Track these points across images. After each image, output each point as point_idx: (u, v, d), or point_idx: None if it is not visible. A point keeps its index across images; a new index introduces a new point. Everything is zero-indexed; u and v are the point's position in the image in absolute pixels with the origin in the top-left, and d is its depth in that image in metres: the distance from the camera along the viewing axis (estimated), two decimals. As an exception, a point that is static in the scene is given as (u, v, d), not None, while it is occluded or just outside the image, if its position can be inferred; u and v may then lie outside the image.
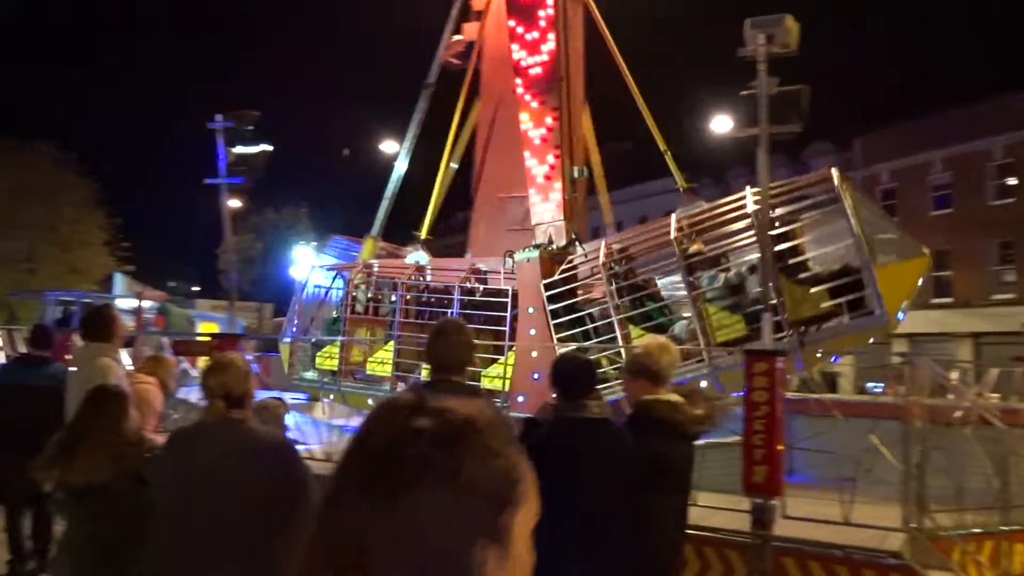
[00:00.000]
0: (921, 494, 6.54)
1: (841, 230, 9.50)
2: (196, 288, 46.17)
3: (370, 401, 11.62)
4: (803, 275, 9.79)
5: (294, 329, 13.28)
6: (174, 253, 48.99)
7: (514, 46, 13.24)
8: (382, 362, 11.88)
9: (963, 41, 44.35)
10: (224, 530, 3.38)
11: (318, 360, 12.59)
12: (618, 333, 10.26)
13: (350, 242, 14.86)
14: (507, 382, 10.96)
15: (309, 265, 14.57)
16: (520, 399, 10.66)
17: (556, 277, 11.10)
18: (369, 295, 13.25)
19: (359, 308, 13.08)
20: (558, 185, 12.41)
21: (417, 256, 13.28)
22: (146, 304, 17.55)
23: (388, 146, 18.45)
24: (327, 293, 13.57)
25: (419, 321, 11.79)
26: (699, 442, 4.30)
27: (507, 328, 11.20)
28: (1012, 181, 29.75)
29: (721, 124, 16.72)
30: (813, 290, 9.47)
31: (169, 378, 5.61)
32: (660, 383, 4.09)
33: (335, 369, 12.24)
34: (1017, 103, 28.55)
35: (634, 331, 10.33)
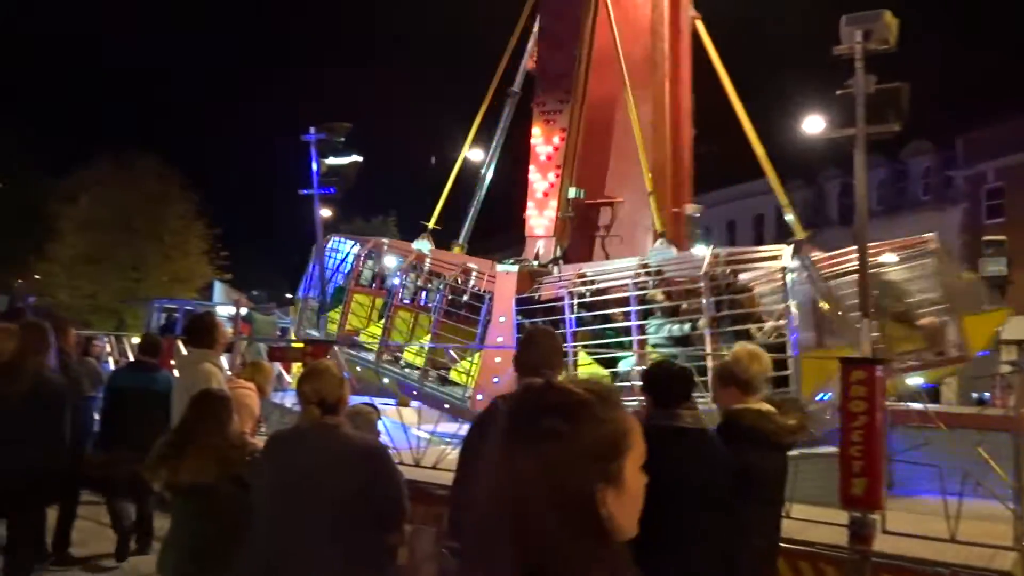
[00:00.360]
0: (1034, 510, 6.19)
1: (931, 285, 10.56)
2: (289, 296, 47.61)
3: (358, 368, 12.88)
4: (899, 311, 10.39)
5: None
6: (269, 262, 50.67)
7: (537, 50, 14.12)
8: (463, 371, 12.08)
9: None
10: (319, 532, 3.48)
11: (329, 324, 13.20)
12: (570, 359, 10.37)
13: (344, 239, 15.73)
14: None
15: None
16: (479, 397, 11.01)
17: (528, 294, 11.61)
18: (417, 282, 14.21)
19: (404, 296, 14.16)
20: (554, 203, 12.88)
21: (420, 244, 14.17)
22: (243, 311, 18.21)
23: (474, 154, 18.62)
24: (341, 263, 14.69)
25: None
26: (793, 452, 4.19)
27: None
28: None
29: (813, 124, 16.22)
30: (909, 329, 10.16)
31: (266, 383, 5.81)
32: (750, 392, 4.00)
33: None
34: None
35: (582, 357, 10.73)
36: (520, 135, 15.37)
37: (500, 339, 11.58)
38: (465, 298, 13.30)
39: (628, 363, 10.64)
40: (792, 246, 10.54)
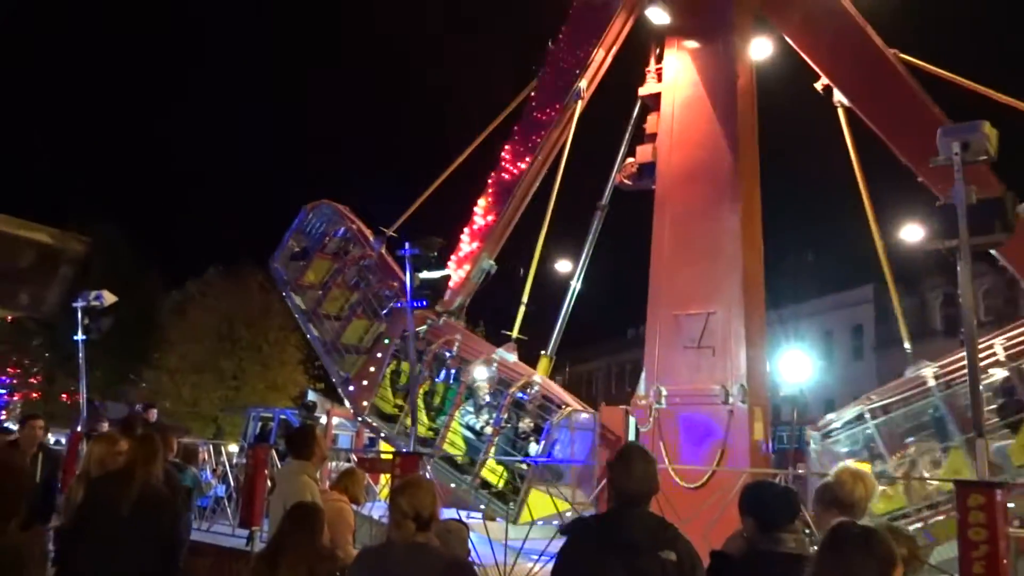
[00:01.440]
0: None
1: None
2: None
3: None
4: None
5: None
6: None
7: (506, 145, 15.91)
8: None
9: None
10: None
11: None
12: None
13: (334, 210, 17.10)
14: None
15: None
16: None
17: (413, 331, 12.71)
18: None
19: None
20: (467, 267, 15.39)
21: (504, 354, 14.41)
22: (334, 421, 18.54)
23: (562, 265, 18.88)
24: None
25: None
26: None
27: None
28: None
29: (912, 233, 15.85)
30: None
31: (359, 491, 5.85)
32: (856, 516, 3.79)
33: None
34: None
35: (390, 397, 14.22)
36: (608, 245, 15.58)
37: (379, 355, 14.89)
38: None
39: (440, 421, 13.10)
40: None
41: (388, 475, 10.84)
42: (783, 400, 23.17)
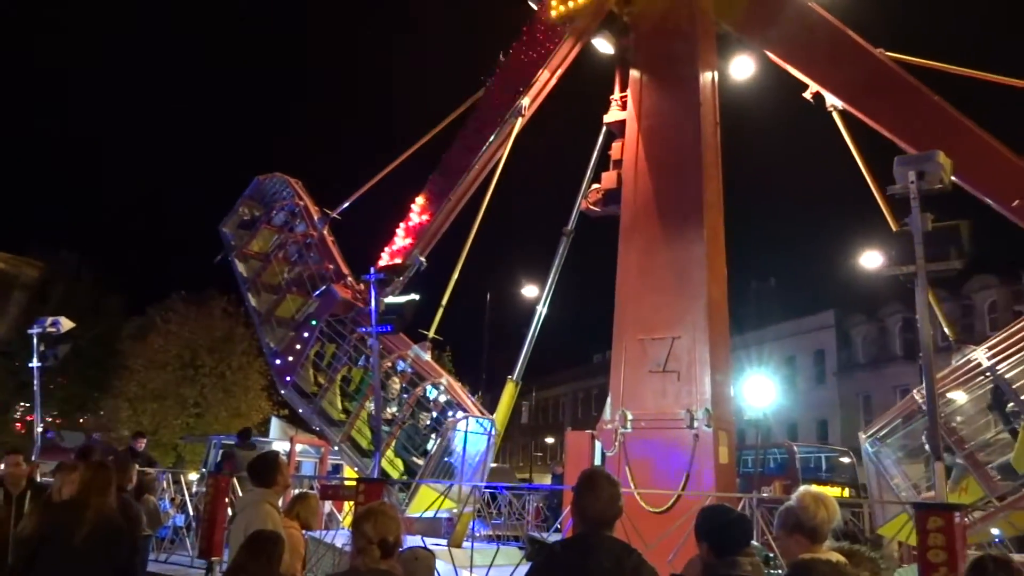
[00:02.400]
0: None
1: None
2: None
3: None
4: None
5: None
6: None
7: (449, 151, 16.48)
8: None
9: None
10: None
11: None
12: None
13: (285, 183, 17.77)
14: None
15: None
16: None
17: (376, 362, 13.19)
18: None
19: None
20: (398, 261, 15.74)
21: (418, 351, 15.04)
22: (298, 448, 18.27)
23: (528, 290, 18.96)
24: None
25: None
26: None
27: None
28: None
29: (871, 259, 16.12)
30: None
31: (312, 517, 5.75)
32: (818, 540, 3.80)
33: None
34: None
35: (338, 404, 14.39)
36: (575, 271, 15.68)
37: None
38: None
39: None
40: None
41: (352, 503, 10.71)
42: (747, 424, 23.33)
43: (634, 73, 15.10)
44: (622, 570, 3.23)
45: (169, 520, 12.32)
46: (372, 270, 12.21)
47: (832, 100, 14.85)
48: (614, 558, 3.29)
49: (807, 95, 15.10)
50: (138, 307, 39.23)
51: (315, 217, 17.29)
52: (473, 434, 13.62)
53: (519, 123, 15.77)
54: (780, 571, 8.60)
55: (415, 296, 12.12)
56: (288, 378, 15.76)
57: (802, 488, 4.06)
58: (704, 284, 13.14)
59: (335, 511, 14.25)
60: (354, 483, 11.19)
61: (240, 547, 4.26)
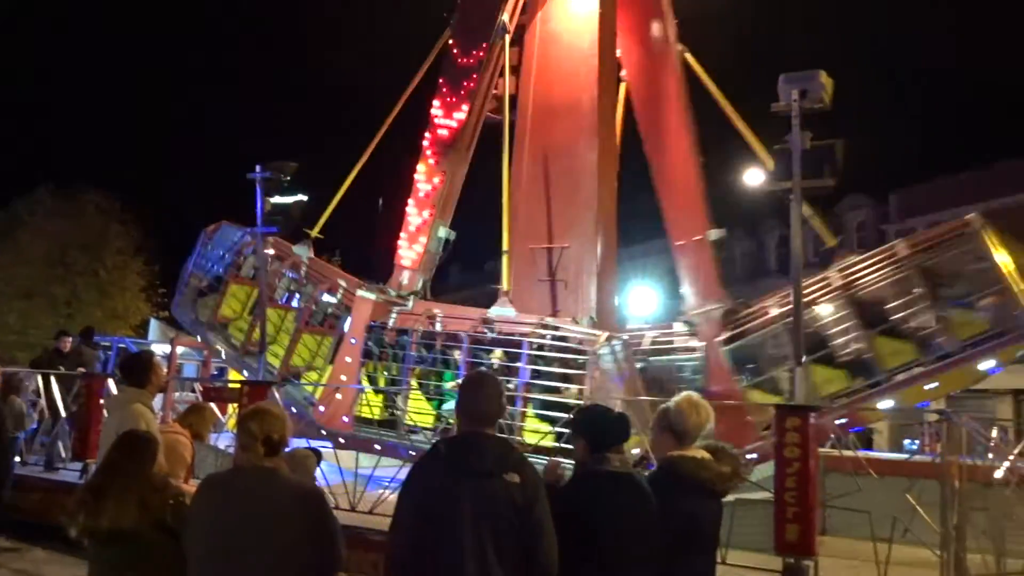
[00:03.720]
0: (960, 556, 6.33)
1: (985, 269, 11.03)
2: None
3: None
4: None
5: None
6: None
7: (435, 102, 14.75)
8: (420, 412, 12.21)
9: (1013, 93, 44.05)
10: (252, 578, 3.39)
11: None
12: (406, 382, 12.10)
13: (236, 228, 15.27)
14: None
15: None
16: (321, 409, 12.60)
17: (380, 322, 12.73)
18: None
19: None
20: (423, 239, 14.10)
21: (300, 250, 14.43)
22: (179, 350, 17.74)
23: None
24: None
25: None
26: (728, 499, 4.22)
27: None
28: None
29: (754, 177, 16.68)
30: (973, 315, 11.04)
31: (204, 429, 5.66)
32: (686, 440, 4.02)
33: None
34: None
35: (413, 382, 12.27)
36: (469, 178, 15.52)
37: (348, 360, 12.71)
38: (329, 311, 14.32)
39: (450, 405, 11.50)
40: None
41: (236, 405, 10.57)
42: (630, 333, 24.15)
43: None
44: (502, 465, 3.33)
45: (32, 423, 11.80)
46: (258, 168, 11.72)
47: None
48: (495, 455, 3.37)
49: None
50: (2, 200, 36.47)
51: (290, 247, 14.72)
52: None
53: (507, 41, 14.35)
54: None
55: (302, 196, 11.75)
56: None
57: (684, 392, 4.25)
58: (595, 195, 13.33)
59: (219, 413, 14.05)
60: (238, 385, 11.04)
61: (111, 447, 4.14)
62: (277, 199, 11.80)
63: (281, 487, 3.60)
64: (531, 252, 13.61)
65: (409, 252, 14.18)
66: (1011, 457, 7.82)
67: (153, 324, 25.45)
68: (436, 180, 14.22)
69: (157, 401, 7.54)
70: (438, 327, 12.64)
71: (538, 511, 3.29)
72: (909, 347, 11.14)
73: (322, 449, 5.44)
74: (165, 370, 8.47)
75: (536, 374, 11.41)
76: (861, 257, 12.22)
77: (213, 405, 11.31)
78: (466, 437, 3.50)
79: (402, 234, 14.30)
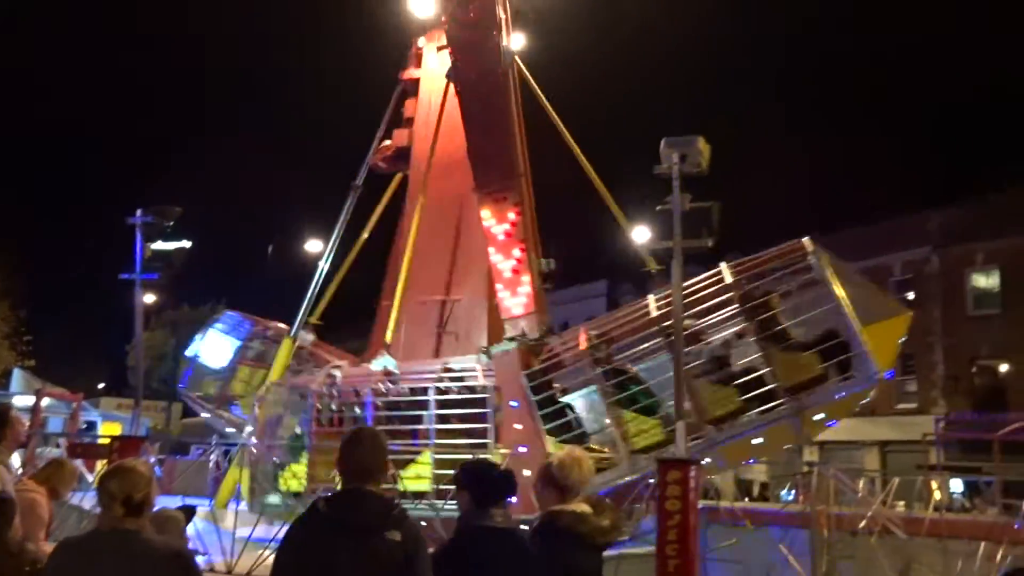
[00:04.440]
0: (830, 604, 6.59)
1: (819, 297, 9.92)
2: (101, 385, 44.23)
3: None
4: (788, 343, 10.03)
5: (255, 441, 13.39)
6: (82, 349, 46.98)
7: (473, 148, 13.25)
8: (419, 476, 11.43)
9: (878, 160, 47.71)
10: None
11: (282, 481, 12.51)
12: (607, 418, 10.46)
13: (242, 317, 16.07)
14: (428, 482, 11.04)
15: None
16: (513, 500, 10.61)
17: (536, 368, 11.20)
18: (332, 406, 13.32)
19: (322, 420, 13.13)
20: (526, 278, 12.48)
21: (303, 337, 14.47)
22: (45, 402, 16.65)
23: (313, 245, 18.43)
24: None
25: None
26: (612, 552, 4.28)
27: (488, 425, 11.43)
28: (911, 296, 31.48)
29: (641, 234, 17.29)
30: (803, 355, 9.79)
31: (62, 485, 5.32)
32: (569, 495, 4.07)
33: (300, 490, 12.04)
34: (914, 223, 30.56)
35: (626, 414, 10.51)
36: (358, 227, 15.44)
37: (519, 426, 11.11)
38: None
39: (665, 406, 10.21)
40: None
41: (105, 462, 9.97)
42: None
43: (436, 33, 14.97)
44: (383, 522, 3.28)
45: None
46: (139, 212, 11.29)
47: None
48: (376, 512, 3.32)
49: None
50: None
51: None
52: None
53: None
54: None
55: (186, 243, 11.34)
56: None
57: (566, 448, 4.31)
58: (487, 247, 13.44)
59: (85, 471, 13.21)
60: (107, 441, 10.43)
61: (-38, 511, 3.83)
62: (159, 245, 11.37)
63: (143, 550, 3.42)
64: (422, 304, 13.58)
65: (516, 299, 12.55)
66: (875, 506, 8.26)
67: (16, 374, 23.78)
68: (511, 216, 12.73)
69: (16, 457, 7.04)
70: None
71: (419, 568, 3.25)
72: (733, 394, 9.99)
73: (200, 507, 5.21)
74: (26, 424, 7.93)
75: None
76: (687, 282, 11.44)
77: (79, 461, 10.67)
78: (346, 493, 3.44)
79: (498, 286, 12.78)
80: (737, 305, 10.15)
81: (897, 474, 12.21)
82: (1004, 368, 30.97)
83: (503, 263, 12.57)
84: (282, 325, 15.87)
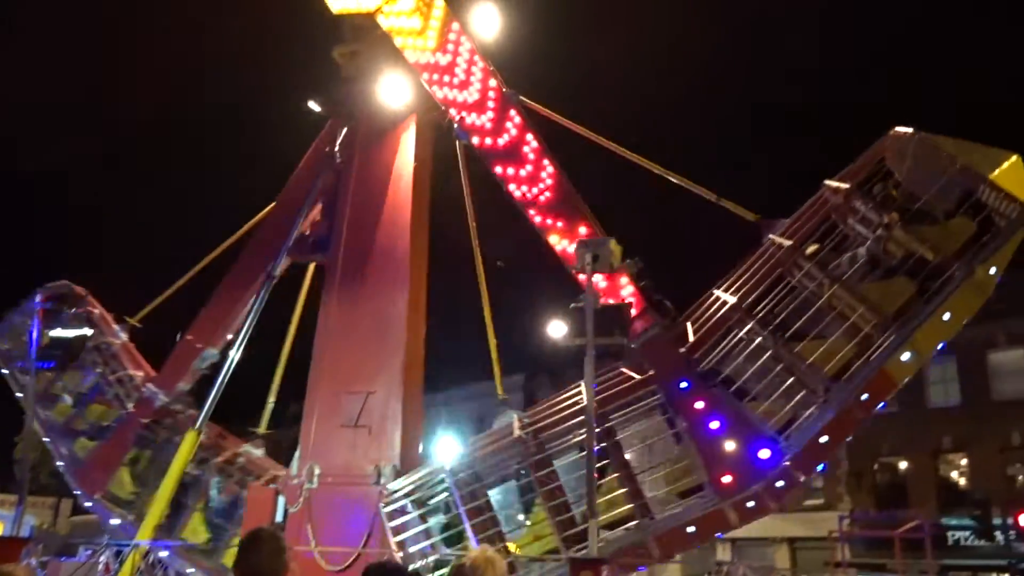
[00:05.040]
0: None
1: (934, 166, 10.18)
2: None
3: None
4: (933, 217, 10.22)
5: None
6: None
7: (511, 187, 13.24)
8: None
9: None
10: None
11: None
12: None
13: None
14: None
15: None
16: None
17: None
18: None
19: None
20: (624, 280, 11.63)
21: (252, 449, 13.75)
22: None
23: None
24: None
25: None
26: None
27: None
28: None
29: (557, 328, 17.50)
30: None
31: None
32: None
33: None
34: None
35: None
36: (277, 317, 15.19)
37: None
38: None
39: None
40: None
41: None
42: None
43: (353, 127, 15.18)
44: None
45: None
46: (38, 297, 10.88)
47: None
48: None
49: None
50: None
51: (112, 325, 14.71)
52: None
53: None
54: None
55: (87, 331, 10.94)
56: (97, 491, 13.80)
57: (480, 548, 4.25)
58: (403, 341, 13.40)
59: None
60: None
61: None
62: (58, 332, 10.94)
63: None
64: (336, 396, 13.31)
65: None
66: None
67: None
68: (583, 230, 12.08)
69: None
70: None
71: None
72: (905, 283, 9.85)
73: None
74: None
75: None
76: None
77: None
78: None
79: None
80: (870, 202, 10.26)
81: (806, 571, 12.36)
82: (904, 465, 32.16)
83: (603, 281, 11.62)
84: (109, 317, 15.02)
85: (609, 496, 9.84)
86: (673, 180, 13.23)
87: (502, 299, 14.88)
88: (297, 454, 13.27)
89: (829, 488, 31.58)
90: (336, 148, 15.35)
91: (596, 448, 8.67)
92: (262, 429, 14.60)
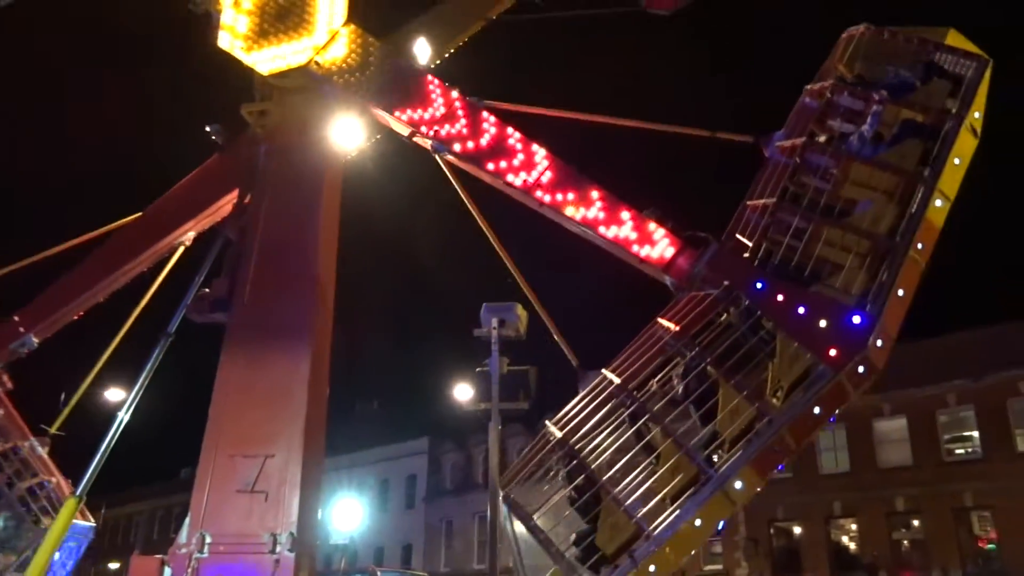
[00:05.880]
0: None
1: None
2: None
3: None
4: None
5: None
6: None
7: (510, 177, 12.67)
8: None
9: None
10: None
11: None
12: None
13: None
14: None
15: None
16: None
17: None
18: None
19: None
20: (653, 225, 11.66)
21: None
22: None
23: (113, 394, 17.12)
24: None
25: None
26: None
27: None
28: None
29: (463, 392, 17.45)
30: None
31: None
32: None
33: None
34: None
35: None
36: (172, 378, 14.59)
37: None
38: None
39: None
40: None
41: None
42: (333, 549, 23.13)
43: (257, 184, 14.98)
44: None
45: None
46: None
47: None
48: None
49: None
50: None
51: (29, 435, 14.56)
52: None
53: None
54: None
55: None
56: None
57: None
58: (304, 404, 13.07)
59: None
60: None
61: None
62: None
63: None
64: (231, 460, 12.82)
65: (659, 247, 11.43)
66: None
67: None
68: (594, 195, 11.99)
69: None
70: None
71: None
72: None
73: None
74: None
75: None
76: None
77: None
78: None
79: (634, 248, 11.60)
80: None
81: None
82: (798, 530, 33.05)
83: (620, 230, 11.65)
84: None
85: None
86: (666, 130, 13.35)
87: (407, 362, 14.79)
88: (187, 522, 12.64)
89: (728, 553, 32.13)
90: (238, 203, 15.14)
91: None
92: (53, 429, 14.03)
